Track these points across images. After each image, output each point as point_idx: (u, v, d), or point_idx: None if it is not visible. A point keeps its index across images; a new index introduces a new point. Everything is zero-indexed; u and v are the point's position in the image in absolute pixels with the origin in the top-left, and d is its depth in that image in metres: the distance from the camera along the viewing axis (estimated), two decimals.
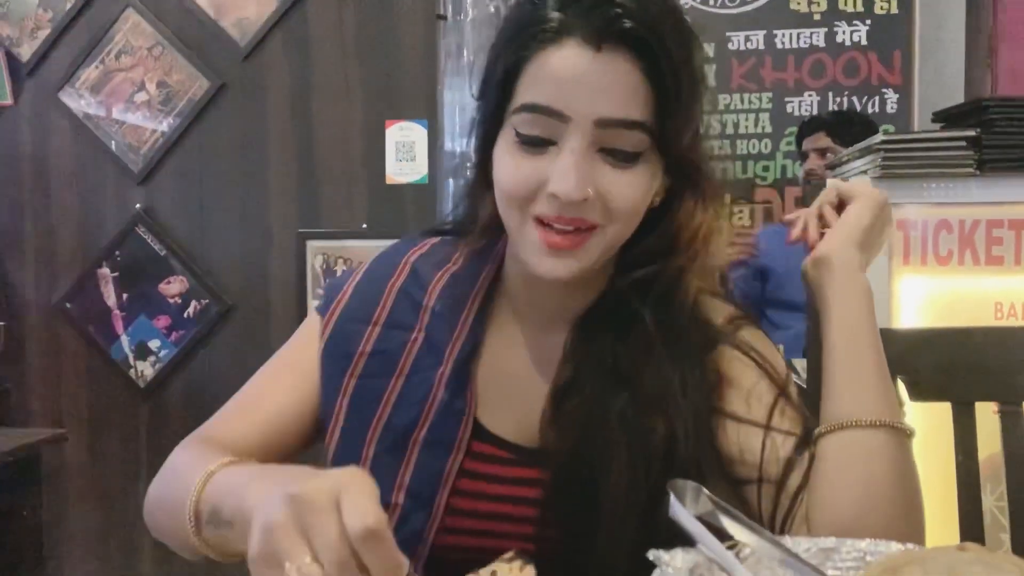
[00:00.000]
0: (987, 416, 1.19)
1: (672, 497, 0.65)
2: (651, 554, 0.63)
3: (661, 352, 0.85)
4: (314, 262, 2.79)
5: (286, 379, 0.92)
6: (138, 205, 2.86)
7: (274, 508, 0.57)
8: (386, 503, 0.86)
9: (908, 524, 0.78)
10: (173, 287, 2.87)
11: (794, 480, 0.82)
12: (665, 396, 0.84)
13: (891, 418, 0.79)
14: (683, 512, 0.64)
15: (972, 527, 1.16)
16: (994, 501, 1.35)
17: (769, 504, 0.82)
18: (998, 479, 1.33)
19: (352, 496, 0.58)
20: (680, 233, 0.86)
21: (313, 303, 0.96)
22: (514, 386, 0.90)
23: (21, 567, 2.26)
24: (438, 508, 0.86)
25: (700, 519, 0.66)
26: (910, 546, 0.65)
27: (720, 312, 0.91)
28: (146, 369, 2.89)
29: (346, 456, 0.88)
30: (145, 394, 2.89)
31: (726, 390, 0.86)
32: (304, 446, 0.93)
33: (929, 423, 1.37)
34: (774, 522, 0.82)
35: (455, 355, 0.89)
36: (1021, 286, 1.59)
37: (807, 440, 0.83)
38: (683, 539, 0.64)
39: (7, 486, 2.20)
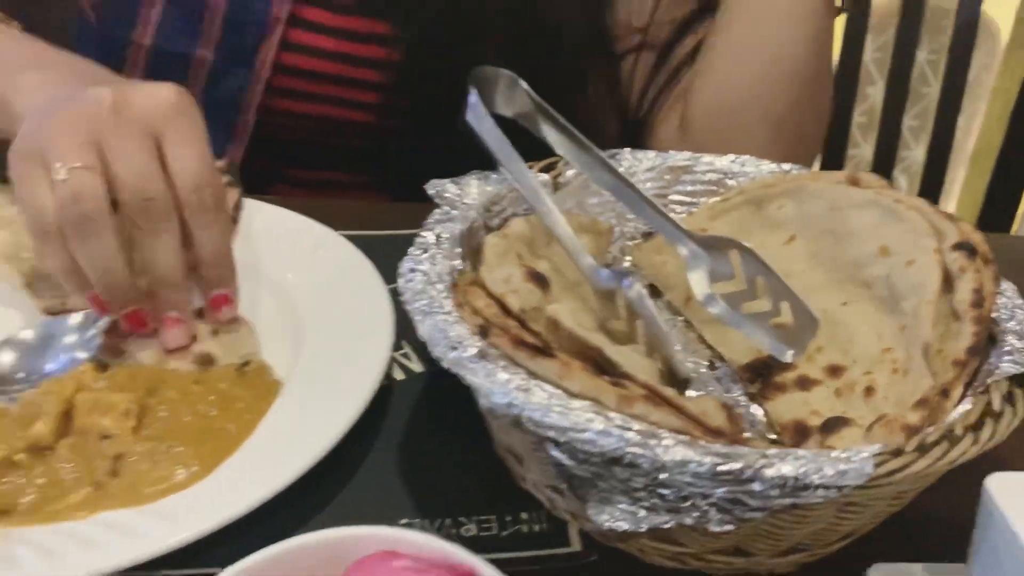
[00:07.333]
0: None
1: (473, 94, 0.45)
2: (431, 187, 0.44)
3: None
4: None
5: None
6: None
7: (58, 106, 0.44)
8: (186, 54, 0.66)
9: (813, 108, 0.63)
10: None
11: (682, 49, 0.66)
12: None
13: None
14: (485, 120, 0.44)
15: (847, 81, 1.05)
16: (872, 52, 1.22)
17: (643, 76, 0.67)
18: (881, 28, 1.20)
19: (184, 137, 0.45)
20: None
21: None
22: None
23: None
24: (263, 64, 0.66)
25: (514, 118, 0.47)
26: (786, 167, 0.48)
27: None
28: None
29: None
30: None
31: None
32: None
33: None
34: (644, 99, 0.68)
35: None
36: None
37: (711, 9, 0.64)
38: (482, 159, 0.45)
39: None
